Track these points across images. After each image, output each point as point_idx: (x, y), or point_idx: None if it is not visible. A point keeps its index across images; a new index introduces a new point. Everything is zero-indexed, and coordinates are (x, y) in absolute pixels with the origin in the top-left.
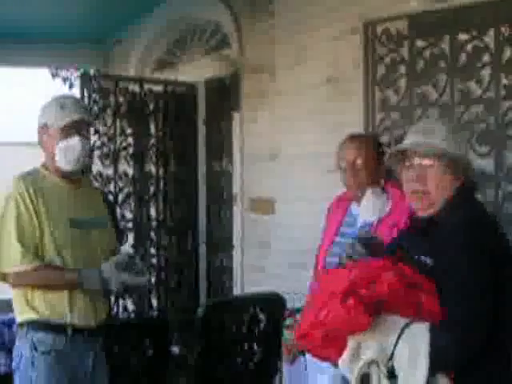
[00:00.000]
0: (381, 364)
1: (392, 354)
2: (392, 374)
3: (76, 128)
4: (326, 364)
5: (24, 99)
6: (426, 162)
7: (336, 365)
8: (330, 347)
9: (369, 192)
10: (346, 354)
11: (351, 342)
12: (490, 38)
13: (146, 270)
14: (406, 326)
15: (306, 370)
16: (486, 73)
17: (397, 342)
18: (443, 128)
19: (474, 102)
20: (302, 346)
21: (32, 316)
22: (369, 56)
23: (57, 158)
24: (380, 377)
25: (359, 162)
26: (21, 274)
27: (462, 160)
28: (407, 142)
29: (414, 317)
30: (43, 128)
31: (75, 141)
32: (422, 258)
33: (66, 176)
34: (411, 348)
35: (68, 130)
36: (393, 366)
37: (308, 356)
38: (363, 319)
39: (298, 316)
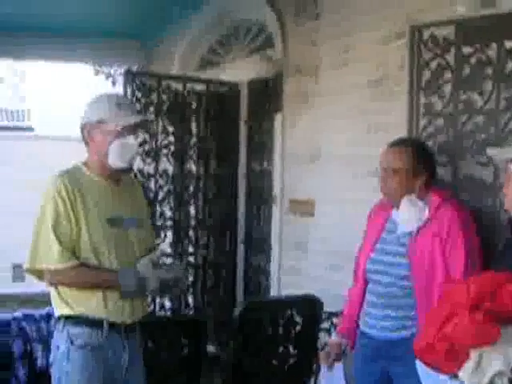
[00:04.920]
0: (505, 375)
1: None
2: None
3: (133, 129)
4: (443, 376)
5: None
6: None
7: (455, 377)
8: (452, 359)
9: (404, 201)
10: (468, 366)
11: (474, 354)
12: None
13: (181, 267)
14: None
15: (341, 375)
16: None
17: None
18: None
19: None
20: (422, 359)
21: (68, 311)
22: (414, 60)
23: (109, 156)
24: None
25: (392, 168)
26: (57, 272)
27: None
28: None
29: None
30: (95, 124)
31: (131, 140)
32: None
33: (106, 174)
34: None
35: (126, 130)
36: None
37: (422, 368)
38: (493, 332)
39: (334, 319)
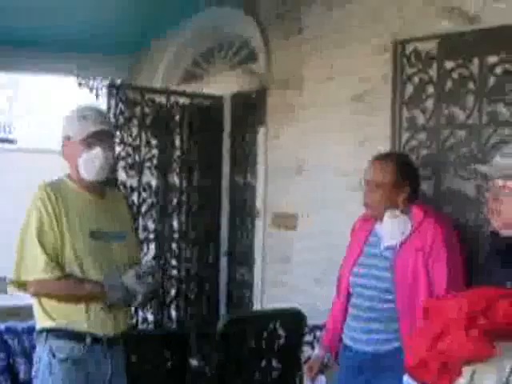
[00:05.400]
0: None
1: (507, 381)
2: None
3: (97, 139)
4: None
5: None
6: (506, 183)
7: None
8: (444, 376)
9: (386, 215)
10: (461, 382)
11: (466, 371)
12: None
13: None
14: None
15: None
16: None
17: None
18: None
19: (503, 124)
20: (414, 376)
21: (50, 323)
22: (397, 75)
23: (80, 169)
24: None
25: (374, 181)
26: (42, 283)
27: None
28: (491, 163)
29: None
30: (66, 140)
31: (97, 151)
32: None
33: (89, 187)
34: None
35: (89, 142)
36: None
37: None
38: (489, 349)
39: (318, 332)
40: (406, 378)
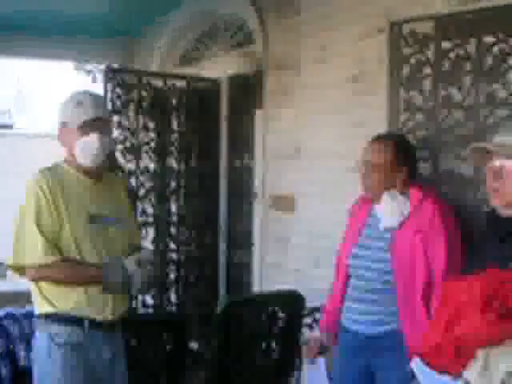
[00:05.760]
0: None
1: None
2: None
3: (94, 125)
4: (445, 377)
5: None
6: (506, 162)
7: (457, 377)
8: (458, 360)
9: (385, 196)
10: (475, 367)
11: (480, 354)
12: None
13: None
14: None
15: (326, 370)
16: (511, 76)
17: None
18: None
19: (499, 104)
20: (429, 361)
21: (49, 309)
22: (394, 56)
23: (76, 155)
24: None
25: (373, 163)
26: (41, 268)
27: None
28: (491, 141)
29: None
30: (62, 125)
31: (93, 138)
32: None
33: (87, 171)
34: None
35: (86, 128)
36: None
37: (421, 369)
38: (506, 331)
39: (317, 315)
40: (414, 361)
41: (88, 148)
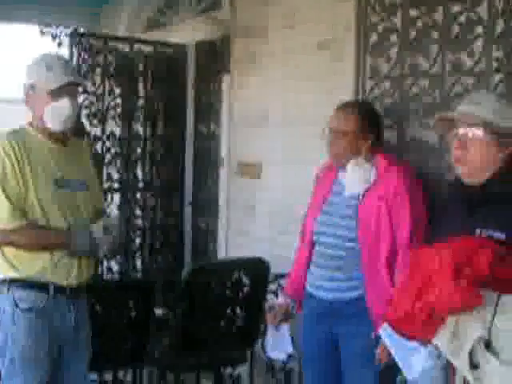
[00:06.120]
0: (483, 339)
1: (489, 329)
2: (488, 345)
3: (65, 90)
4: (413, 343)
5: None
6: (470, 131)
7: (426, 343)
8: (428, 327)
9: (350, 163)
10: (444, 333)
11: (450, 320)
12: (482, 10)
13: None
14: (498, 299)
15: (288, 335)
16: (478, 45)
17: (494, 314)
18: (492, 100)
19: (465, 73)
20: (399, 329)
21: (13, 274)
22: (361, 23)
23: (45, 119)
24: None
25: (338, 130)
26: (6, 232)
27: (508, 132)
28: (456, 110)
29: (504, 290)
30: (30, 88)
31: (65, 103)
32: (494, 233)
33: (52, 135)
34: (509, 319)
35: (57, 92)
36: (489, 338)
37: (391, 337)
38: (477, 299)
39: (281, 281)
40: (383, 329)
41: (58, 113)
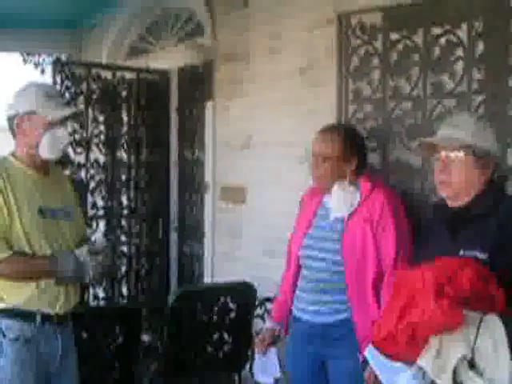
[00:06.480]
0: (466, 358)
1: (473, 348)
2: (472, 365)
3: (63, 120)
4: (398, 364)
5: None
6: (451, 154)
7: (411, 364)
8: (412, 348)
9: (335, 187)
10: (429, 353)
11: (434, 341)
12: (463, 33)
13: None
14: (481, 319)
15: (276, 359)
16: (459, 67)
17: (477, 334)
18: (471, 122)
19: (447, 95)
20: (383, 350)
21: (0, 304)
22: (342, 47)
23: (42, 147)
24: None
25: (321, 155)
26: None
27: (488, 154)
28: (437, 135)
29: (487, 310)
30: (25, 116)
31: (62, 132)
32: (477, 254)
33: (34, 165)
34: (491, 338)
35: (56, 121)
36: (472, 358)
37: (376, 358)
38: (458, 317)
39: (268, 305)
40: (368, 350)
41: (56, 142)
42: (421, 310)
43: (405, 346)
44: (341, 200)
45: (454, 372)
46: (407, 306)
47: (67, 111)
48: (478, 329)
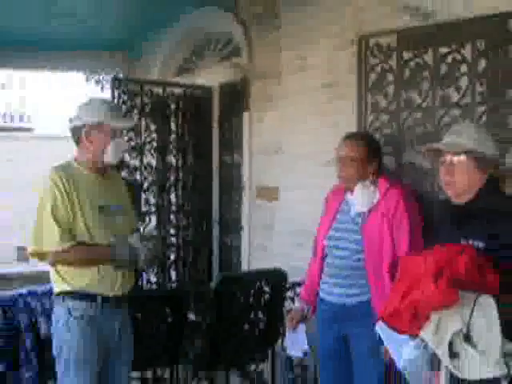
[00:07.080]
0: (462, 332)
1: (468, 324)
2: (467, 338)
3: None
4: (404, 336)
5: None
6: (455, 158)
7: (414, 336)
8: (414, 322)
9: (358, 185)
10: (429, 327)
11: (434, 317)
12: (467, 51)
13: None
14: (477, 298)
15: (304, 335)
16: (463, 81)
17: (472, 312)
18: (472, 130)
19: (453, 106)
20: (389, 323)
21: (66, 287)
22: (362, 65)
23: (107, 153)
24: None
25: (348, 157)
26: (59, 252)
27: (487, 156)
28: (442, 141)
29: (480, 292)
30: (95, 125)
31: (124, 140)
32: (476, 243)
33: (94, 168)
34: (485, 316)
35: (118, 131)
36: (468, 332)
37: (384, 331)
38: (454, 296)
39: (297, 288)
40: (379, 325)
41: (118, 148)
42: (421, 290)
43: (408, 322)
44: (364, 197)
45: (451, 343)
46: (410, 287)
47: (130, 122)
48: (474, 306)
